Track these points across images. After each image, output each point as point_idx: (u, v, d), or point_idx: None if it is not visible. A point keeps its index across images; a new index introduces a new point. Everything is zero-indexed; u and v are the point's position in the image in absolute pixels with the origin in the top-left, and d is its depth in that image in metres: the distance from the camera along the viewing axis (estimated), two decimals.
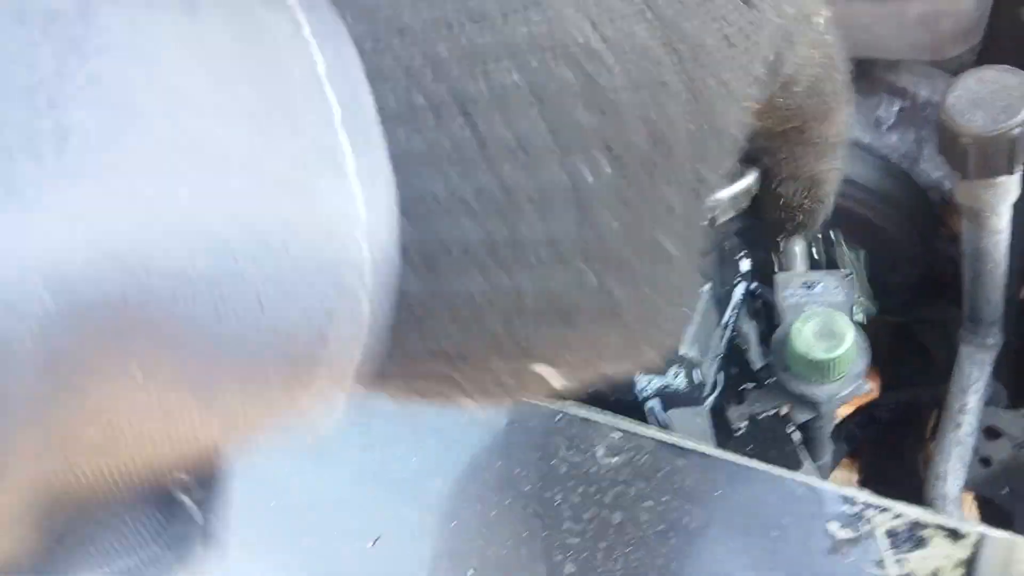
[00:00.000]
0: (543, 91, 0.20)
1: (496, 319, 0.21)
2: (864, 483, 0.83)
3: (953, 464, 0.56)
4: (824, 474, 0.57)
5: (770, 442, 0.49)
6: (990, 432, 0.60)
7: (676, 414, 0.48)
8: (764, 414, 0.50)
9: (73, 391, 0.16)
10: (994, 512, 0.59)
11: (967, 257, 0.54)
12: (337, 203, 0.18)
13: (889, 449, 0.78)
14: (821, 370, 0.47)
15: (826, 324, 0.47)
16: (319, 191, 0.17)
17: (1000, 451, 0.59)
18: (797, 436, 0.49)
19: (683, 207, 0.23)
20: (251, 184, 0.17)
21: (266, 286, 0.17)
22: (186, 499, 0.19)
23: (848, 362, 0.47)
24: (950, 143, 0.47)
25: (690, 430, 0.47)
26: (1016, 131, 0.46)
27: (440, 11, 0.20)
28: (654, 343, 0.25)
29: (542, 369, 0.23)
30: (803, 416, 0.49)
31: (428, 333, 0.20)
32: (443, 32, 0.20)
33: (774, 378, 0.50)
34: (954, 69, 0.73)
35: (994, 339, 0.58)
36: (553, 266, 0.21)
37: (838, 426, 0.61)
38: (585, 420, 0.47)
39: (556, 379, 0.23)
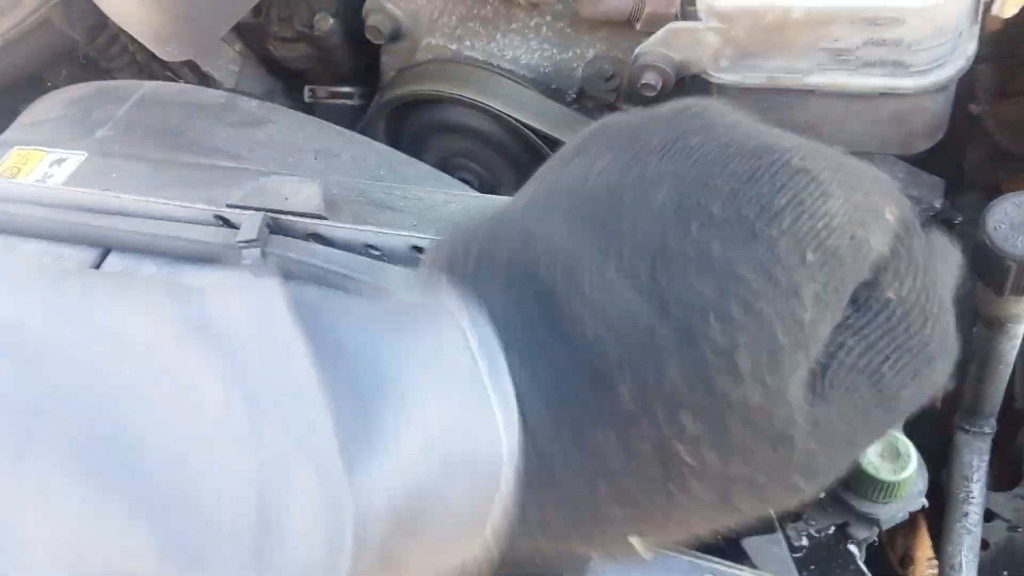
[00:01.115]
0: None
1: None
2: None
3: (966, 554, 0.58)
4: None
5: (832, 561, 0.49)
6: (984, 515, 0.63)
7: (753, 543, 0.47)
8: (824, 531, 0.50)
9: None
10: None
11: (978, 357, 0.57)
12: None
13: None
14: (886, 490, 0.48)
15: (888, 443, 0.48)
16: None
17: (995, 534, 0.62)
18: (857, 553, 0.50)
19: None
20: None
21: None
22: None
23: (912, 483, 0.48)
24: (992, 266, 0.49)
25: (768, 560, 0.47)
26: None
27: None
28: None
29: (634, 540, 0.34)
30: (862, 533, 0.50)
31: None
32: None
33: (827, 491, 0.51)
34: (908, 158, 0.77)
35: (990, 427, 0.61)
36: None
37: None
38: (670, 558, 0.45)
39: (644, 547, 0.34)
